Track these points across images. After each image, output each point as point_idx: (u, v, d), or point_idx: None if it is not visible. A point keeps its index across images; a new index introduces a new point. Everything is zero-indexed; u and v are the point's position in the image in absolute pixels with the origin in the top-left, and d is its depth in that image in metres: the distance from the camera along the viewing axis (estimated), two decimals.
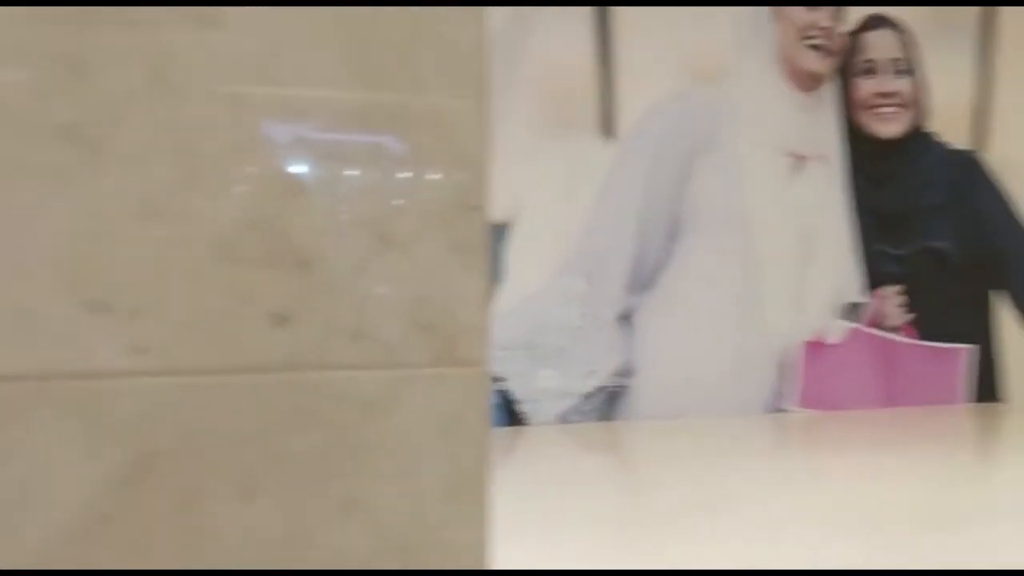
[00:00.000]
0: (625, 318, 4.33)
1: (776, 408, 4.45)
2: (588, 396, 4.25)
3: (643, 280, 4.36)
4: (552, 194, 4.31)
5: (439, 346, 0.75)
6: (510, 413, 4.15)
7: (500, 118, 4.32)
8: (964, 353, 4.77)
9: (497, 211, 4.34)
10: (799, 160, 4.52)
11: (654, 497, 3.12)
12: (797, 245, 4.54)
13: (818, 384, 4.51)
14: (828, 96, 4.56)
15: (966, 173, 4.80)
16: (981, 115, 4.79)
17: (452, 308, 0.75)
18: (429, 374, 0.75)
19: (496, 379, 4.22)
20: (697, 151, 4.41)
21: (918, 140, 4.73)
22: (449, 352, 0.75)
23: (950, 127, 4.73)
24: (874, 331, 4.60)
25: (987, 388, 4.75)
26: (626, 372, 4.29)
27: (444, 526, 0.74)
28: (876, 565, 2.42)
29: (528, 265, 4.26)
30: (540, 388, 4.20)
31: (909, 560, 2.44)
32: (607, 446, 4.10)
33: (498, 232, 4.34)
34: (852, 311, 4.58)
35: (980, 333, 4.79)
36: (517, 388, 4.17)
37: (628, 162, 4.36)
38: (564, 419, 4.20)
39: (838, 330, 4.56)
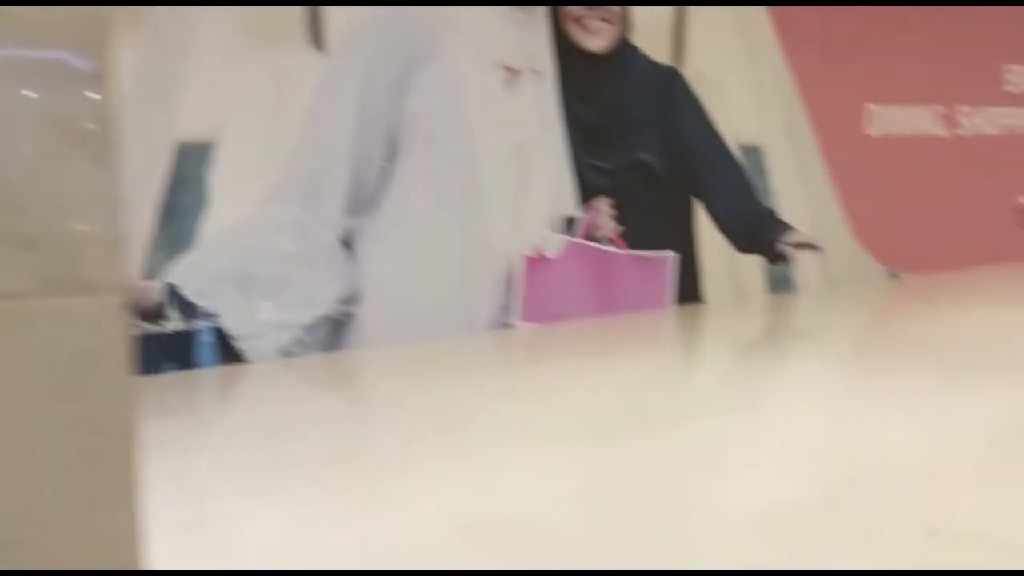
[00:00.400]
0: (346, 242, 4.13)
1: (501, 324, 4.50)
2: (311, 327, 4.03)
3: (363, 201, 4.17)
4: (259, 110, 3.96)
5: (50, 267, 0.54)
6: (226, 351, 3.85)
7: (197, 28, 3.88)
8: (669, 260, 5.08)
9: (197, 129, 3.94)
10: (513, 74, 4.49)
11: (385, 428, 3.01)
12: (514, 161, 4.55)
13: (539, 298, 4.60)
14: (539, 10, 4.54)
15: (668, 87, 5.04)
16: (679, 31, 5.01)
17: (67, 215, 0.54)
18: (37, 307, 0.53)
19: (208, 315, 3.88)
20: (412, 64, 4.25)
21: (623, 54, 4.87)
22: (66, 275, 0.54)
23: (651, 43, 4.90)
24: (588, 243, 4.75)
25: (689, 291, 5.11)
26: (351, 299, 4.11)
27: (75, 512, 0.54)
28: (603, 465, 2.49)
29: (235, 189, 3.90)
30: (258, 322, 3.93)
31: (636, 457, 2.52)
32: (335, 379, 3.93)
33: (201, 153, 3.94)
34: (567, 225, 4.69)
35: (682, 240, 5.11)
36: (232, 324, 3.87)
37: (339, 76, 4.10)
38: (286, 353, 3.97)
39: (555, 244, 4.66)
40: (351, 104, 4.11)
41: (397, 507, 2.18)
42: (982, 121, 6.37)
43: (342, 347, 4.10)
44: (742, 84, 5.27)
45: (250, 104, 3.92)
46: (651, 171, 4.97)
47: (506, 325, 4.52)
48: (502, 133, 4.51)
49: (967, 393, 3.07)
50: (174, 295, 3.77)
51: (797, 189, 5.49)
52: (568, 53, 4.65)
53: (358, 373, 4.02)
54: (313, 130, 4.04)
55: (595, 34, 4.68)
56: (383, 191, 4.20)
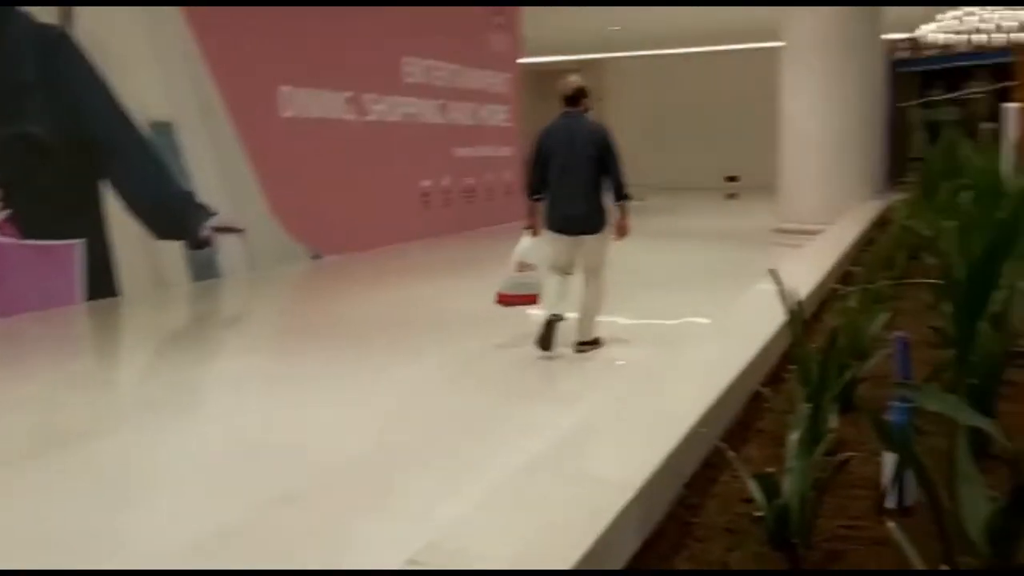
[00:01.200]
0: None
1: None
2: None
3: None
4: None
5: None
6: None
7: None
8: (75, 249, 4.44)
9: None
10: None
11: None
12: None
13: None
14: None
15: (55, 50, 4.36)
16: None
17: None
18: None
19: None
20: None
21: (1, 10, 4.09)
22: None
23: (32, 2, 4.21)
24: None
25: (101, 283, 4.54)
26: None
27: None
28: (4, 503, 1.99)
29: None
30: None
31: (49, 488, 2.06)
32: None
33: None
34: None
35: (90, 226, 4.51)
36: None
37: None
38: None
39: None
40: None
41: None
42: (386, 108, 6.81)
43: None
44: (145, 56, 4.82)
45: None
46: (42, 146, 4.28)
47: None
48: None
49: (385, 369, 3.20)
50: None
51: (213, 170, 5.23)
52: None
53: None
54: None
55: None
56: None
